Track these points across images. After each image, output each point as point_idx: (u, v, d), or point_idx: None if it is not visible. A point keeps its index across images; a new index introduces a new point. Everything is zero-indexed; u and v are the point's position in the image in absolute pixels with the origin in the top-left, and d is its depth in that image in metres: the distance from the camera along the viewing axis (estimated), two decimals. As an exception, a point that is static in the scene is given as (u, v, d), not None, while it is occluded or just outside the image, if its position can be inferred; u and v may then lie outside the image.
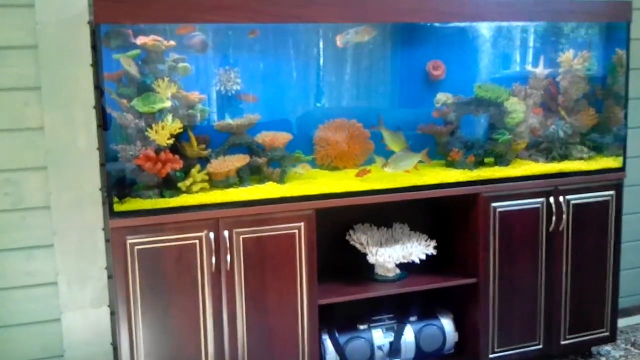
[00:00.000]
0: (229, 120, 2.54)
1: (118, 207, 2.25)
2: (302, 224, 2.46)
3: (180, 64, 2.41)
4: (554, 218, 2.80)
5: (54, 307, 2.64)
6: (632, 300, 3.78)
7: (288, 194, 2.47)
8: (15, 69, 2.48)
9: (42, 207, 2.59)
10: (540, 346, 2.88)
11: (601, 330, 3.01)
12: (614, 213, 2.93)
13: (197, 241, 2.33)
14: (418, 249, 2.75)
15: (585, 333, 2.98)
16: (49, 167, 2.50)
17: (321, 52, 2.72)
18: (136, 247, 2.26)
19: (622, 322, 3.55)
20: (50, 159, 2.50)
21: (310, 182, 2.59)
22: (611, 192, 2.91)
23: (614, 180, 2.91)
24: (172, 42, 2.35)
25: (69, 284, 2.60)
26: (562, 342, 2.92)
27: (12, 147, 2.54)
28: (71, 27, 2.39)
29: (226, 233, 2.36)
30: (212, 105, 2.57)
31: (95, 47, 2.29)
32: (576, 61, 2.91)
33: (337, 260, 2.83)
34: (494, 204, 2.71)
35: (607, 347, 3.22)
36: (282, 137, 2.61)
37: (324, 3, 2.40)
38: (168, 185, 2.38)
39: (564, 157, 2.91)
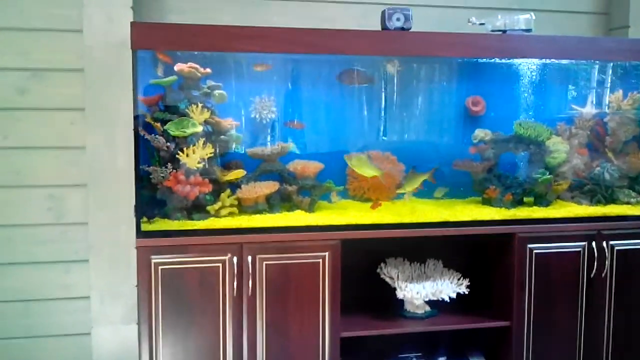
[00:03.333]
0: (261, 148, 2.58)
1: (145, 227, 2.31)
2: (327, 253, 2.44)
3: (217, 92, 2.48)
4: (595, 264, 2.67)
5: (86, 321, 2.72)
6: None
7: (313, 223, 2.47)
8: (65, 90, 2.62)
9: (82, 223, 2.69)
10: (578, 398, 2.73)
11: (647, 385, 2.83)
12: (662, 263, 2.77)
13: (220, 265, 2.36)
14: (449, 287, 2.68)
15: (629, 389, 2.81)
16: (88, 185, 2.60)
17: (357, 84, 2.73)
18: (160, 267, 2.31)
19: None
20: (90, 177, 2.60)
21: (339, 212, 2.58)
22: (660, 240, 2.75)
23: (663, 228, 2.76)
24: (208, 70, 2.42)
25: (102, 299, 2.67)
26: (603, 396, 2.76)
27: (58, 164, 2.67)
28: (116, 52, 2.50)
29: (249, 258, 2.37)
30: (247, 132, 2.61)
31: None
32: (626, 102, 2.80)
33: (368, 294, 2.79)
34: (530, 245, 2.61)
35: (654, 406, 3.02)
36: (313, 167, 2.63)
37: (359, 35, 2.42)
38: (198, 208, 2.43)
39: (609, 201, 2.79)
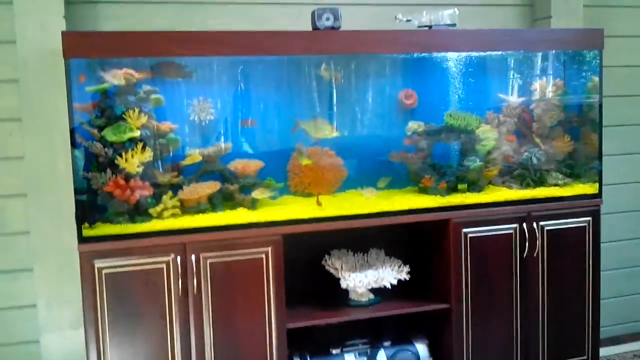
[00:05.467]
0: (201, 149, 2.63)
1: (87, 232, 2.34)
2: (269, 249, 2.52)
3: (153, 96, 2.52)
4: (527, 244, 2.81)
5: (34, 328, 2.73)
6: (625, 328, 3.74)
7: (256, 220, 2.53)
8: (1, 102, 2.62)
9: (25, 232, 2.70)
10: (518, 372, 2.87)
11: (582, 357, 2.98)
12: (591, 239, 2.92)
13: (164, 265, 2.41)
14: (390, 274, 2.78)
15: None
16: (28, 194, 2.61)
17: (294, 82, 2.80)
18: (104, 271, 2.35)
19: (613, 350, 3.53)
20: (30, 185, 2.61)
21: (281, 208, 2.65)
22: (587, 219, 2.91)
23: (590, 206, 2.91)
24: (143, 74, 2.45)
25: (49, 306, 2.69)
26: (541, 369, 2.91)
27: (-2, 175, 2.67)
28: (50, 61, 2.51)
29: (193, 257, 2.43)
30: (187, 134, 2.65)
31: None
32: (550, 89, 2.94)
33: (314, 286, 2.87)
34: (465, 230, 2.73)
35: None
36: (253, 165, 2.69)
37: (290, 36, 2.49)
38: (140, 211, 2.47)
39: (538, 184, 2.92)
